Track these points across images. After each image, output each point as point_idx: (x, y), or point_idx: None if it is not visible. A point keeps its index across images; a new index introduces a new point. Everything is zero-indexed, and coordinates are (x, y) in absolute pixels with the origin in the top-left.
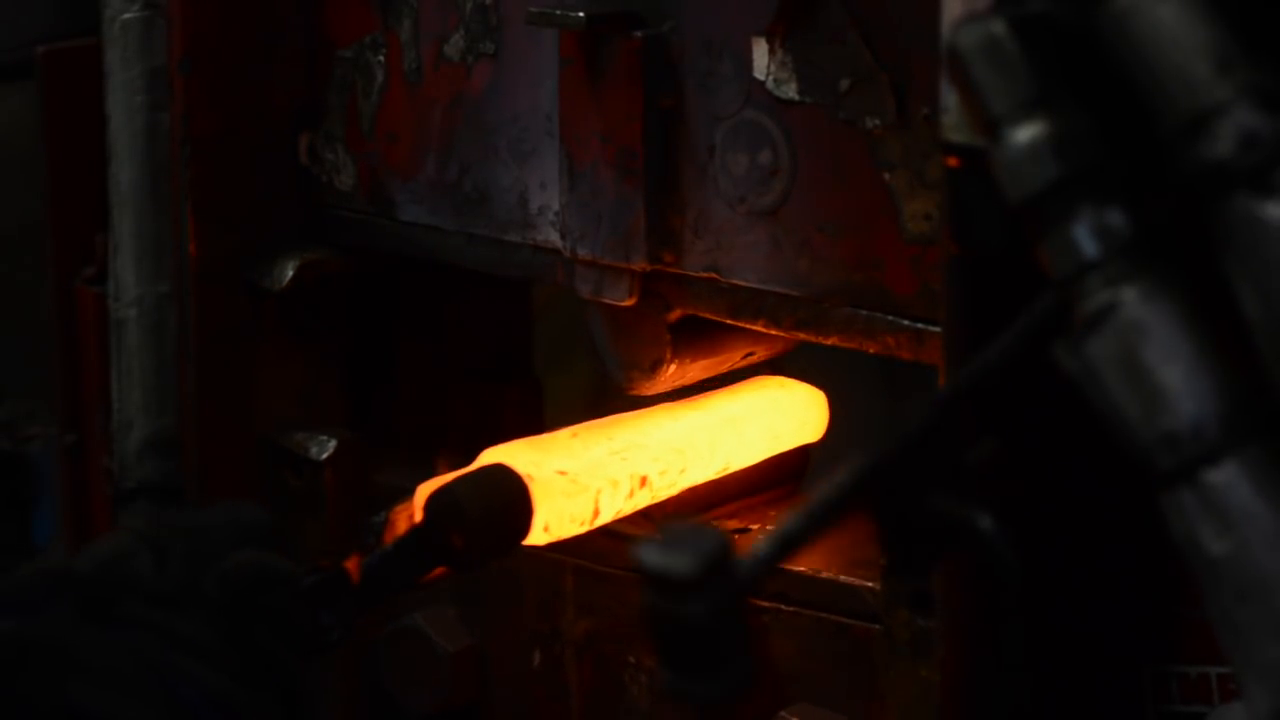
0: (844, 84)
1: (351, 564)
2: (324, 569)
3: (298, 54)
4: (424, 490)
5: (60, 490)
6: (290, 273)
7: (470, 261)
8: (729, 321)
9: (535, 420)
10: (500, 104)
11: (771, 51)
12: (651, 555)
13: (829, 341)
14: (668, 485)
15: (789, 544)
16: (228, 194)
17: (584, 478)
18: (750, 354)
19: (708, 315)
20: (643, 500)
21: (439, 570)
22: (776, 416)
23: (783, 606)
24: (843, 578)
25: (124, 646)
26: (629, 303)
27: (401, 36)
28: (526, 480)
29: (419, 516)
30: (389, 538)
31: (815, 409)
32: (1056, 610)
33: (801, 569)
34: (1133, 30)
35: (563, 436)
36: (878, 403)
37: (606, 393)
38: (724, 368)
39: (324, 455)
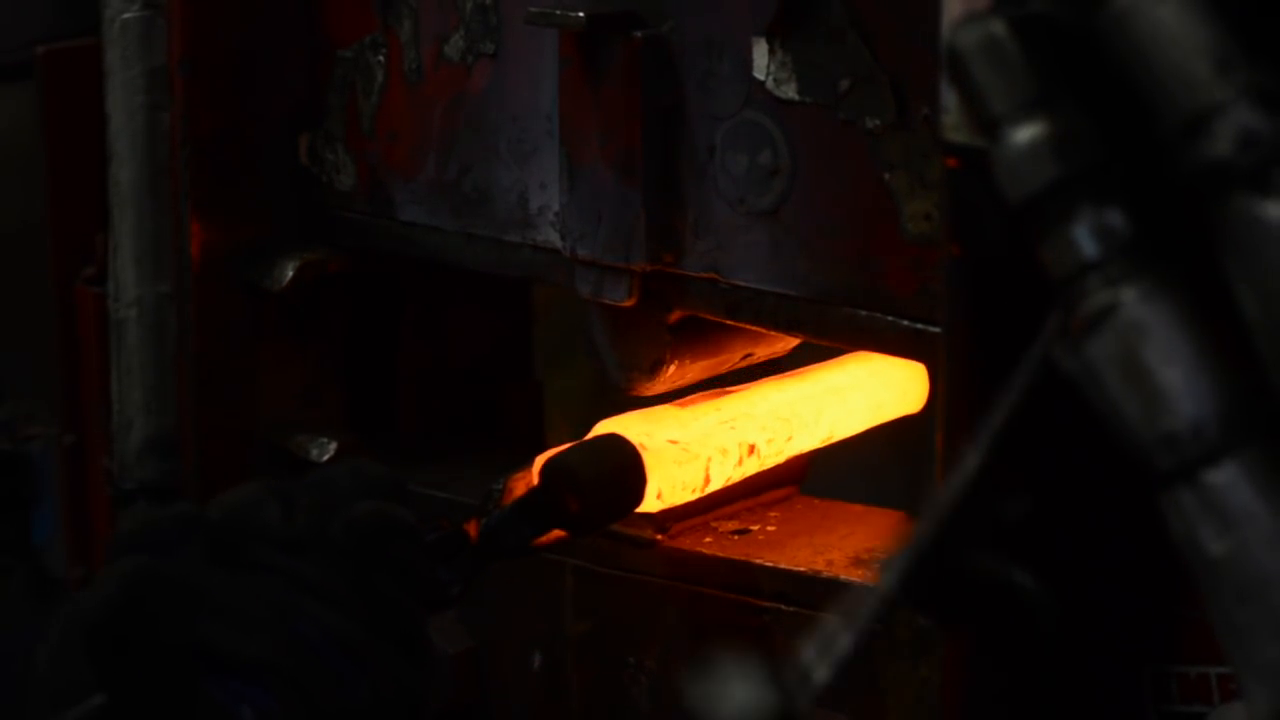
0: (844, 84)
1: (470, 525)
2: (444, 527)
3: (298, 54)
4: (541, 459)
5: (60, 490)
6: (290, 273)
7: (470, 261)
8: (729, 322)
9: (536, 420)
10: (500, 104)
11: (771, 51)
12: None
13: (829, 342)
14: (775, 453)
15: (845, 669)
16: (228, 194)
17: (695, 446)
18: (749, 354)
19: (708, 315)
20: (751, 467)
21: (556, 534)
22: (879, 387)
23: (783, 606)
24: (843, 576)
25: (251, 588)
26: (629, 303)
27: (401, 36)
28: (640, 449)
29: (536, 482)
30: (507, 502)
31: (916, 381)
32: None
33: (801, 569)
34: (1132, 30)
35: (672, 409)
36: None
37: (606, 393)
38: (724, 368)
39: (325, 457)
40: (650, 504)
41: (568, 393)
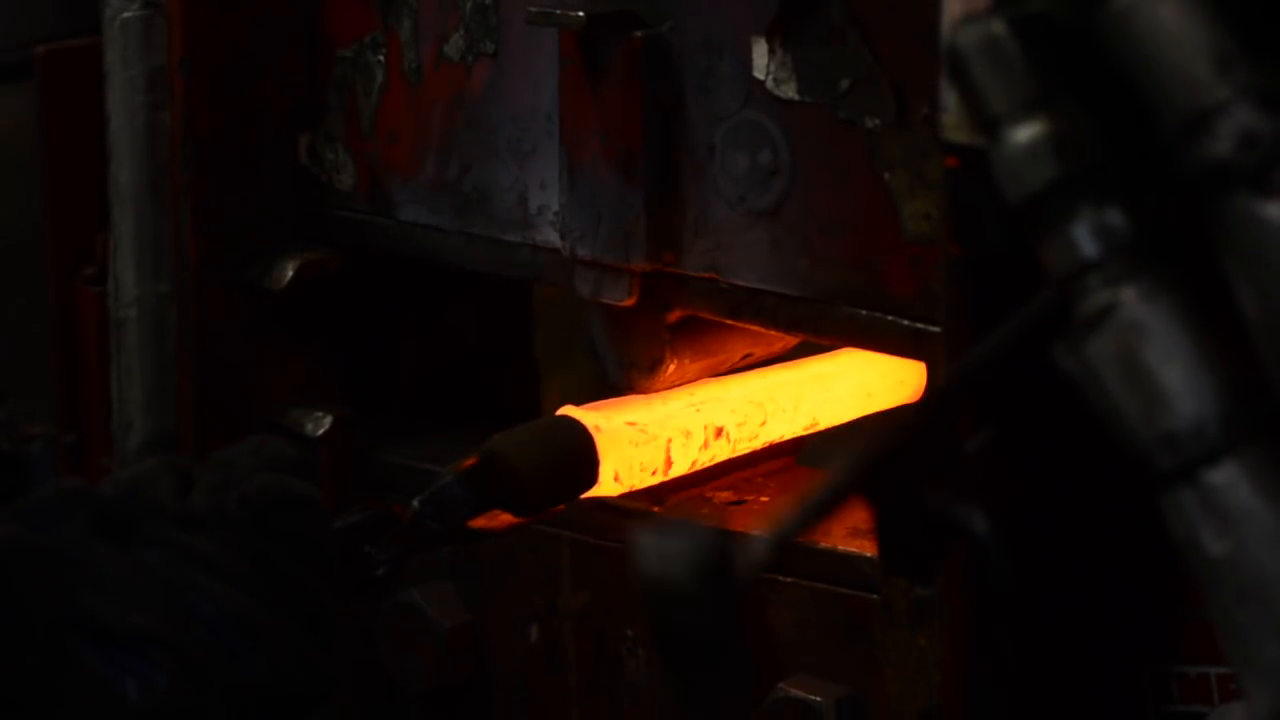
0: (844, 84)
1: (401, 507)
2: (372, 508)
3: (298, 54)
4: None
5: None
6: (290, 273)
7: (470, 261)
8: (729, 321)
9: (533, 405)
10: (500, 104)
11: (771, 51)
12: (649, 564)
13: (829, 342)
14: (747, 437)
15: (785, 544)
16: (228, 194)
17: (654, 428)
18: (749, 354)
19: (707, 315)
20: (721, 451)
21: (505, 519)
22: (870, 375)
23: (780, 578)
24: (840, 547)
25: (138, 561)
26: (629, 303)
27: (401, 36)
28: (593, 431)
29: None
30: None
31: (912, 370)
32: (1056, 610)
33: (798, 540)
34: (1133, 30)
35: (647, 396)
36: None
37: (606, 392)
38: (723, 368)
39: (319, 432)
40: (608, 486)
41: (568, 392)
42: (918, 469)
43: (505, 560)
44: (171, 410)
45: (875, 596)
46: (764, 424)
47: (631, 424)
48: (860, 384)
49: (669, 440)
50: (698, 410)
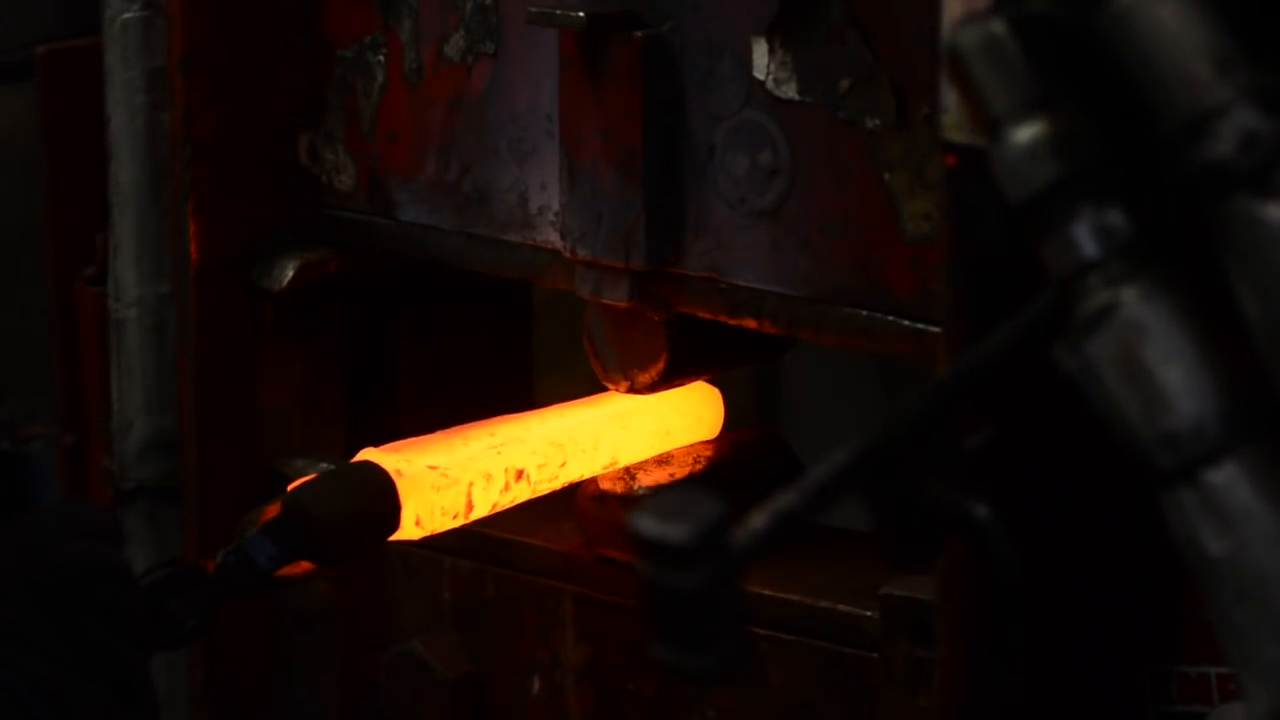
0: (844, 84)
1: (207, 560)
2: (177, 563)
3: (298, 54)
4: (291, 487)
5: (60, 490)
6: (290, 273)
7: (470, 262)
8: (728, 322)
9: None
10: (500, 104)
11: (771, 51)
12: (647, 523)
13: (829, 342)
14: (547, 479)
15: (785, 520)
16: (228, 194)
17: (455, 471)
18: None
19: (707, 315)
20: (521, 494)
21: (305, 566)
22: (669, 413)
23: (781, 635)
24: (841, 607)
25: None
26: (629, 303)
27: (401, 36)
28: (394, 476)
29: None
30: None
31: (710, 406)
32: (1056, 610)
33: (799, 598)
34: (1133, 30)
35: (447, 435)
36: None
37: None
38: (723, 368)
39: None
40: (409, 530)
41: (568, 392)
42: (918, 462)
43: (508, 612)
44: (171, 410)
45: (876, 656)
46: (564, 465)
47: (433, 468)
48: (659, 421)
49: (470, 483)
50: (498, 452)
